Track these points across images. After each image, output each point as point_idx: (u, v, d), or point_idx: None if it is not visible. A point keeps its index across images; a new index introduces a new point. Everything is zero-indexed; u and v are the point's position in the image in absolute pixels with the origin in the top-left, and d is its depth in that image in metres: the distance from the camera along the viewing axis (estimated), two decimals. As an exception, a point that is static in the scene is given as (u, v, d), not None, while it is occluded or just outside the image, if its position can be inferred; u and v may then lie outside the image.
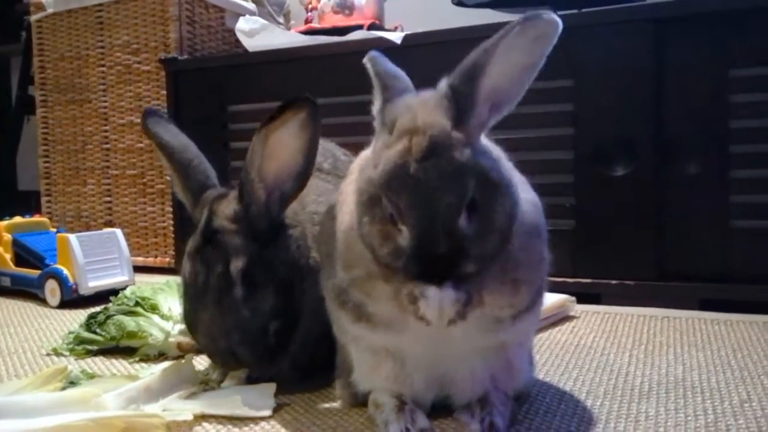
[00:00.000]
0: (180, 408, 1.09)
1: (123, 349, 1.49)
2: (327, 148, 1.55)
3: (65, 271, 2.02)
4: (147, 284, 1.69)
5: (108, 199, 2.87)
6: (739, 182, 1.82)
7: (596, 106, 1.95)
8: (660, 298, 1.87)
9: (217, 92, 2.59)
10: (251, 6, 3.00)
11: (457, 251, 0.81)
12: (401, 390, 1.02)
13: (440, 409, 1.05)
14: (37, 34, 3.01)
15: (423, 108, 0.86)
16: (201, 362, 1.32)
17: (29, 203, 3.62)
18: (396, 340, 0.98)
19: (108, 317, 1.52)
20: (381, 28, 2.64)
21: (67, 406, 1.02)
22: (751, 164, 1.81)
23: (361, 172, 0.91)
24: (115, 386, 1.13)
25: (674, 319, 1.71)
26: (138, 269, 2.39)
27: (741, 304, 1.77)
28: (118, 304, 1.56)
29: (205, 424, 1.07)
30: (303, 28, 2.79)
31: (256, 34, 2.57)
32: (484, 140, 0.94)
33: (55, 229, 2.38)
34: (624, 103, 1.92)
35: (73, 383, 1.19)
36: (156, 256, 2.75)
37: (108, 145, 2.85)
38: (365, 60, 0.98)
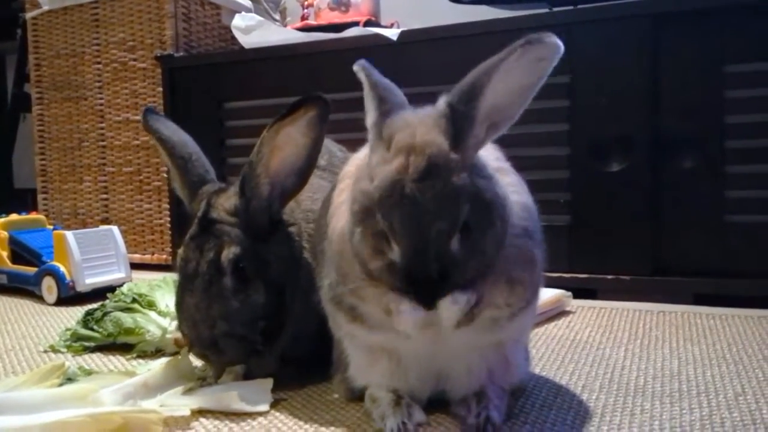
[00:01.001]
0: (177, 403, 1.09)
1: (120, 345, 1.49)
2: (323, 144, 1.55)
3: (62, 269, 2.02)
4: (144, 281, 1.69)
5: (104, 196, 2.87)
6: (734, 177, 1.83)
7: (592, 102, 1.95)
8: (655, 293, 1.88)
9: (213, 89, 2.59)
10: (247, 3, 2.99)
11: (446, 273, 0.82)
12: (397, 385, 1.02)
13: (436, 403, 1.05)
14: (33, 31, 3.00)
15: (421, 126, 0.86)
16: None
17: (26, 201, 3.61)
18: (391, 340, 0.98)
19: (105, 314, 1.53)
20: (377, 24, 2.64)
21: (65, 402, 1.03)
22: (746, 159, 1.82)
23: (357, 181, 0.91)
24: (113, 382, 1.13)
25: (669, 314, 1.72)
26: (135, 266, 2.40)
27: (736, 299, 1.78)
28: (115, 301, 1.57)
29: (202, 419, 1.07)
30: (299, 24, 2.79)
31: (252, 31, 2.57)
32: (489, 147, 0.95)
33: (51, 227, 2.38)
34: (619, 99, 1.93)
35: (70, 380, 1.19)
36: (153, 253, 2.75)
37: (104, 143, 2.85)
38: (357, 69, 0.97)
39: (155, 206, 2.75)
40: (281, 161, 1.16)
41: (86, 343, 1.51)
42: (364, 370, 1.06)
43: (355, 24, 2.54)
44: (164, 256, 2.72)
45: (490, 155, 1.00)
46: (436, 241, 0.81)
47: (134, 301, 1.55)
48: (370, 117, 0.92)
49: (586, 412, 1.06)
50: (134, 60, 2.75)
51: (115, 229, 2.20)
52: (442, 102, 0.88)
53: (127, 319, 1.49)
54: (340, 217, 0.96)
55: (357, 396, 1.10)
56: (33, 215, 2.44)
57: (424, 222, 0.81)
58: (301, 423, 1.05)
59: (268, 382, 1.14)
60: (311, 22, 2.79)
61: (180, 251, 1.17)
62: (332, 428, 1.03)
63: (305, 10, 2.90)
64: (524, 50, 0.84)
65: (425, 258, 0.81)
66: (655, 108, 1.89)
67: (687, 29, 1.86)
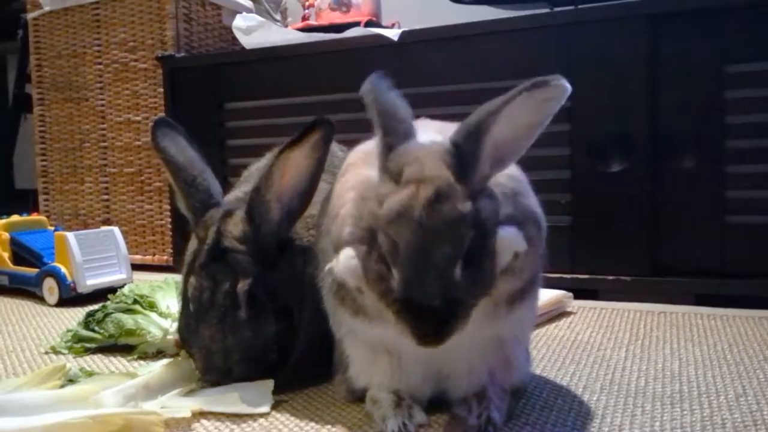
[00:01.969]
0: (178, 405, 1.09)
1: (121, 346, 1.49)
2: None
3: (63, 270, 2.03)
4: (145, 282, 1.69)
5: (106, 197, 2.87)
6: (735, 177, 1.83)
7: (592, 102, 1.95)
8: (656, 294, 1.88)
9: (214, 90, 2.59)
10: (248, 3, 2.99)
11: (450, 305, 0.82)
12: (398, 386, 1.03)
13: (437, 403, 1.05)
14: (34, 32, 3.00)
15: (429, 160, 0.87)
16: (199, 359, 1.32)
17: (27, 202, 3.61)
18: (391, 334, 0.98)
19: (106, 315, 1.53)
20: (378, 25, 2.65)
21: (66, 404, 1.03)
22: (746, 160, 1.81)
23: (364, 199, 0.92)
24: (114, 384, 1.13)
25: (670, 315, 1.72)
26: (136, 267, 2.40)
27: (737, 299, 1.78)
28: (117, 302, 1.57)
29: (203, 421, 1.07)
30: (300, 25, 2.80)
31: (253, 31, 2.57)
32: None
33: (52, 228, 2.38)
34: (620, 99, 1.93)
35: (71, 381, 1.19)
36: (154, 254, 2.75)
37: (105, 143, 2.85)
38: (363, 92, 0.96)
39: (156, 207, 2.75)
40: (288, 185, 1.16)
41: (87, 345, 1.51)
42: (365, 370, 1.06)
43: (356, 24, 2.54)
44: (165, 257, 2.72)
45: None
46: (439, 266, 0.82)
47: (135, 302, 1.55)
48: (377, 145, 0.92)
49: (586, 413, 1.06)
50: (135, 60, 2.75)
51: (116, 230, 2.20)
52: (447, 141, 0.90)
53: (128, 320, 1.49)
54: (345, 205, 0.97)
55: (358, 397, 1.10)
56: (34, 216, 2.45)
57: (428, 246, 0.82)
58: (302, 424, 1.05)
59: (269, 384, 1.13)
60: (312, 22, 2.79)
61: (192, 280, 1.16)
62: (333, 429, 1.03)
63: (306, 11, 2.90)
64: (530, 94, 0.85)
65: (426, 283, 0.82)
66: (656, 108, 1.89)
67: (687, 29, 1.86)
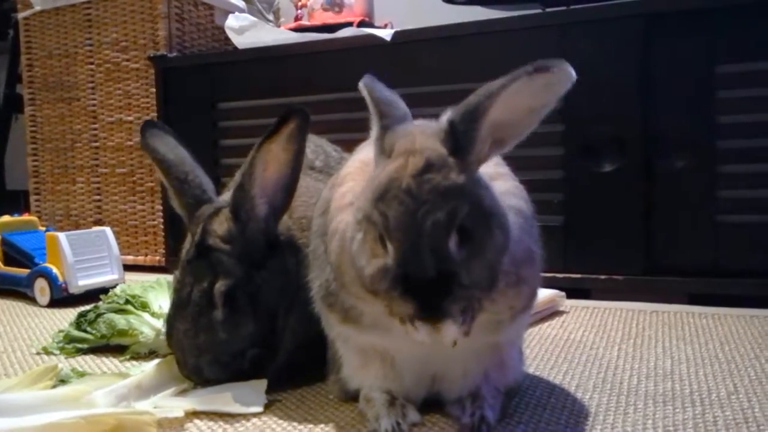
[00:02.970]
0: (171, 405, 1.09)
1: (113, 347, 1.48)
2: (318, 144, 1.54)
3: (55, 270, 2.02)
4: (137, 282, 1.68)
5: (97, 197, 2.86)
6: (726, 177, 1.84)
7: (585, 102, 1.95)
8: (648, 293, 1.89)
9: (207, 90, 2.58)
10: (241, 3, 2.99)
11: (447, 276, 0.79)
12: (392, 387, 1.02)
13: (431, 403, 1.05)
14: (25, 31, 2.98)
15: (422, 134, 0.86)
16: (192, 359, 1.31)
17: (18, 202, 3.59)
18: (385, 342, 0.98)
19: (98, 315, 1.52)
20: (371, 25, 2.65)
21: (58, 404, 1.02)
22: (737, 159, 1.83)
23: (362, 192, 0.91)
24: (106, 384, 1.13)
25: (662, 314, 1.72)
26: (128, 268, 2.39)
27: (728, 298, 1.79)
28: (109, 302, 1.56)
29: (196, 420, 1.07)
30: (293, 25, 2.79)
31: (246, 31, 2.57)
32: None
33: (44, 228, 2.37)
34: (612, 99, 1.93)
35: (63, 381, 1.19)
36: (146, 255, 2.74)
37: (97, 144, 2.84)
38: (360, 86, 0.96)
39: (148, 207, 2.74)
40: (270, 178, 1.16)
41: (79, 345, 1.50)
42: (358, 372, 1.06)
43: (349, 24, 2.54)
44: (157, 258, 2.71)
45: (490, 161, 0.99)
46: (432, 235, 0.79)
47: (127, 302, 1.54)
48: (374, 133, 0.92)
49: (579, 412, 1.07)
50: (127, 60, 2.74)
51: (108, 230, 2.19)
52: (443, 119, 0.88)
53: (120, 320, 1.48)
54: (343, 218, 0.95)
55: (351, 396, 1.10)
56: (25, 217, 2.43)
57: (419, 214, 0.79)
58: (295, 424, 1.05)
59: (262, 384, 1.13)
60: (305, 22, 2.79)
61: (176, 272, 1.17)
62: (326, 429, 1.03)
63: (299, 11, 2.90)
64: (531, 78, 0.82)
65: (420, 255, 0.78)
66: (648, 108, 1.90)
67: (679, 30, 1.87)
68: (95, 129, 2.84)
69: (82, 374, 1.25)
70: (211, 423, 1.06)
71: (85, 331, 1.51)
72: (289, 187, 1.18)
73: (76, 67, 2.86)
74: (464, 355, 0.98)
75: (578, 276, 1.97)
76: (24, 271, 2.12)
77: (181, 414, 1.06)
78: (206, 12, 2.90)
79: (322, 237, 1.02)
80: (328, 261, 0.98)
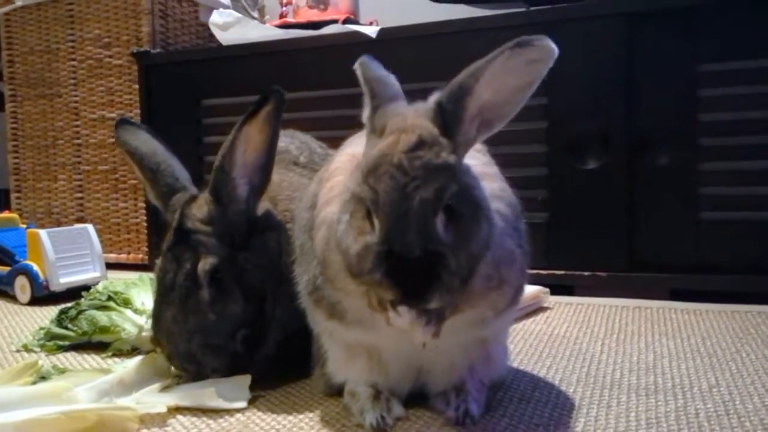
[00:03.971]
0: (154, 401, 1.08)
1: (95, 344, 1.47)
2: (303, 140, 1.54)
3: (35, 268, 1.99)
4: (120, 280, 1.66)
5: (80, 195, 2.82)
6: (708, 174, 1.86)
7: (569, 99, 1.97)
8: (631, 289, 1.90)
9: (191, 87, 2.57)
10: (225, 0, 2.97)
11: (432, 262, 0.78)
12: (377, 381, 1.02)
13: (415, 396, 1.05)
14: (6, 27, 2.94)
15: (413, 114, 0.87)
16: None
17: (-2, 200, 3.54)
18: (370, 337, 0.98)
19: (80, 312, 1.50)
20: (356, 22, 2.64)
21: (38, 400, 1.01)
22: (719, 157, 1.85)
23: (351, 174, 0.91)
24: (87, 380, 1.11)
25: (645, 309, 1.74)
26: (110, 266, 2.36)
27: (710, 294, 1.81)
28: (90, 299, 1.54)
29: (179, 416, 1.06)
30: (278, 23, 2.78)
31: (230, 27, 2.55)
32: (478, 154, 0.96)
33: (25, 225, 2.34)
34: (596, 97, 1.94)
35: (44, 378, 1.17)
36: (129, 253, 2.72)
37: (79, 141, 2.81)
38: (356, 66, 0.96)
39: (131, 205, 2.71)
40: (250, 159, 1.16)
41: (60, 342, 1.49)
42: (343, 366, 1.06)
43: (334, 22, 2.53)
44: (140, 256, 2.69)
45: (478, 161, 0.99)
46: (418, 212, 0.79)
47: (110, 299, 1.52)
48: (365, 112, 0.92)
49: (563, 405, 1.07)
50: (110, 57, 2.71)
51: (90, 227, 2.16)
52: (431, 100, 0.89)
53: (102, 317, 1.47)
54: (330, 210, 0.94)
55: (336, 391, 1.10)
56: (6, 214, 2.40)
57: (408, 189, 0.79)
58: (279, 419, 1.05)
59: (246, 379, 1.13)
60: (290, 20, 2.78)
61: (158, 261, 1.16)
62: (311, 424, 1.03)
63: (284, 8, 2.89)
64: (513, 53, 0.83)
65: (406, 231, 0.78)
66: (631, 106, 1.92)
67: (662, 28, 1.89)
68: (77, 126, 2.81)
69: (63, 371, 1.23)
70: (194, 419, 1.05)
71: (66, 328, 1.50)
72: (266, 168, 1.18)
73: (58, 64, 2.83)
74: (451, 349, 0.99)
75: (562, 272, 1.98)
76: (4, 269, 2.09)
77: (163, 410, 1.05)
78: (190, 8, 2.88)
79: (309, 232, 1.01)
80: (314, 254, 0.97)
